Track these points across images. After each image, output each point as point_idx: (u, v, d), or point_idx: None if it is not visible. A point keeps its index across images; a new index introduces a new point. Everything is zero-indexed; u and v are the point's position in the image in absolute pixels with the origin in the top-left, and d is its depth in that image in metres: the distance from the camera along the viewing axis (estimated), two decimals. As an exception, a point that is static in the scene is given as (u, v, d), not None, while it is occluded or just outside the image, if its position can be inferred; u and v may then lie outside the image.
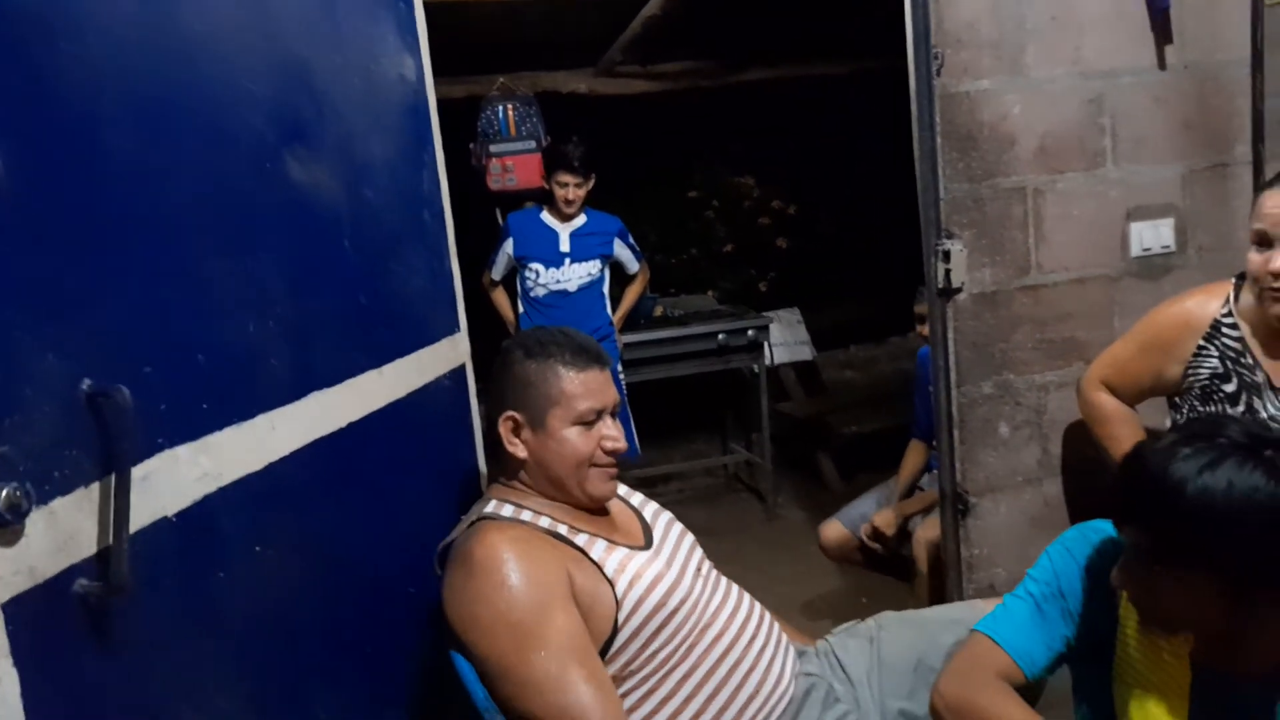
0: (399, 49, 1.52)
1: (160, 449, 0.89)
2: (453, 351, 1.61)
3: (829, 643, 1.51)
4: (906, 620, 1.55)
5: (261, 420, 1.03)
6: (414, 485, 1.44)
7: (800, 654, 1.47)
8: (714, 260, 5.04)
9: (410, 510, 1.41)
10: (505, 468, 1.37)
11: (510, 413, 1.34)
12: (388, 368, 1.34)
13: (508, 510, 1.32)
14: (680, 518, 1.53)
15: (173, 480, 0.90)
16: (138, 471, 0.85)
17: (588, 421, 1.33)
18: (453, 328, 1.64)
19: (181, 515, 0.90)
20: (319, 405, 1.15)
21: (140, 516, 0.85)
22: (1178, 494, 0.99)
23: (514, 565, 1.19)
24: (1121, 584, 1.09)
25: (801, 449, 4.40)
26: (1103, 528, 1.25)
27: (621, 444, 1.36)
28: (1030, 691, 1.26)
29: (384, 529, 1.33)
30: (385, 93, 1.47)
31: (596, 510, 1.38)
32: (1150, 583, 1.06)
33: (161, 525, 0.88)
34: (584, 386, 1.33)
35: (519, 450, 1.34)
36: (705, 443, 4.77)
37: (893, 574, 2.69)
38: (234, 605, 0.97)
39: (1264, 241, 1.53)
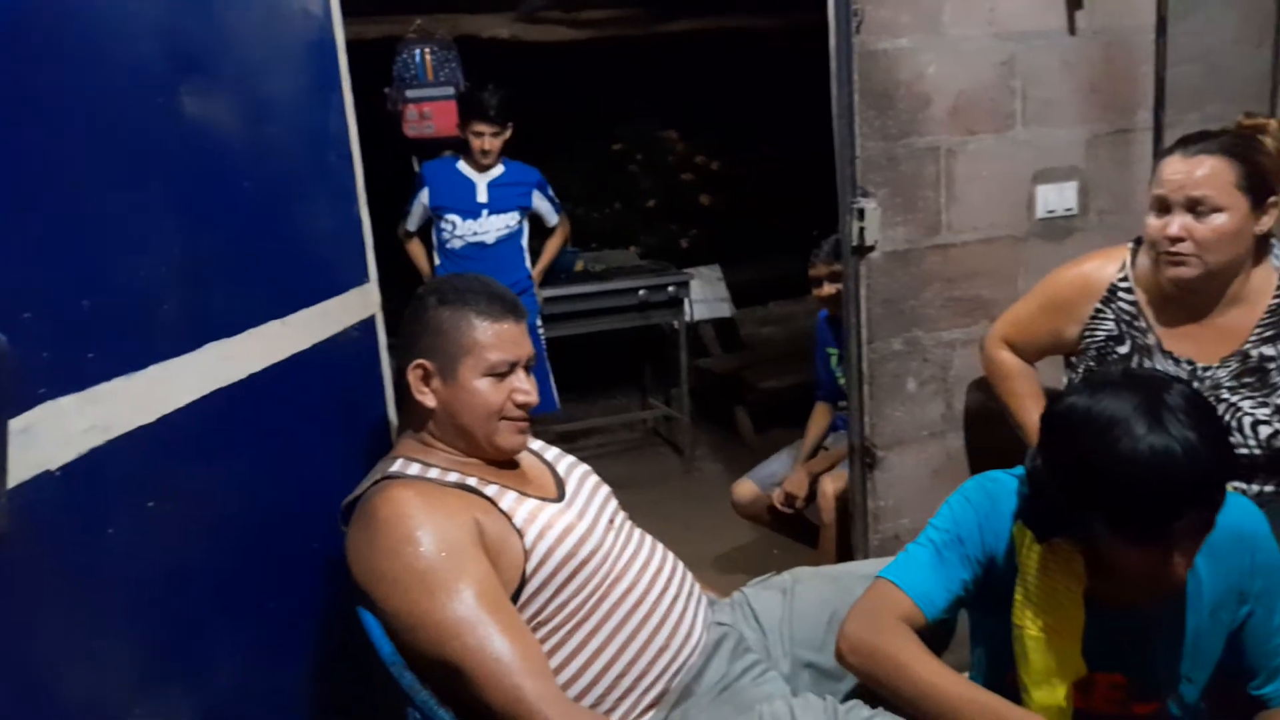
0: (302, -19, 1.45)
1: (43, 400, 0.84)
2: (362, 302, 1.56)
3: (744, 594, 1.54)
4: (821, 575, 1.58)
5: (155, 370, 0.99)
6: (320, 439, 1.40)
7: (714, 605, 1.49)
8: (637, 215, 5.02)
9: (316, 464, 1.38)
10: (414, 417, 1.35)
11: (420, 360, 1.31)
12: (292, 317, 1.29)
13: (414, 469, 1.30)
14: (599, 471, 1.53)
15: (57, 432, 0.86)
16: (17, 423, 0.81)
17: (500, 373, 1.31)
18: (362, 277, 1.59)
19: (66, 469, 0.86)
20: (218, 355, 1.10)
21: (21, 469, 0.81)
22: (1208, 465, 1.03)
23: (420, 518, 1.18)
24: (1186, 569, 1.10)
25: (719, 404, 4.46)
26: (999, 478, 1.31)
27: (533, 398, 1.35)
28: (937, 637, 1.32)
29: (288, 483, 1.29)
30: (289, 27, 1.40)
31: (507, 463, 1.38)
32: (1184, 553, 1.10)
33: (44, 479, 0.84)
34: (498, 337, 1.31)
35: (428, 399, 1.32)
36: (625, 397, 4.80)
37: (800, 538, 2.76)
38: (124, 560, 0.94)
39: (1163, 207, 1.57)
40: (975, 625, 1.38)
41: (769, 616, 1.48)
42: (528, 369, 1.37)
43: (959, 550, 1.27)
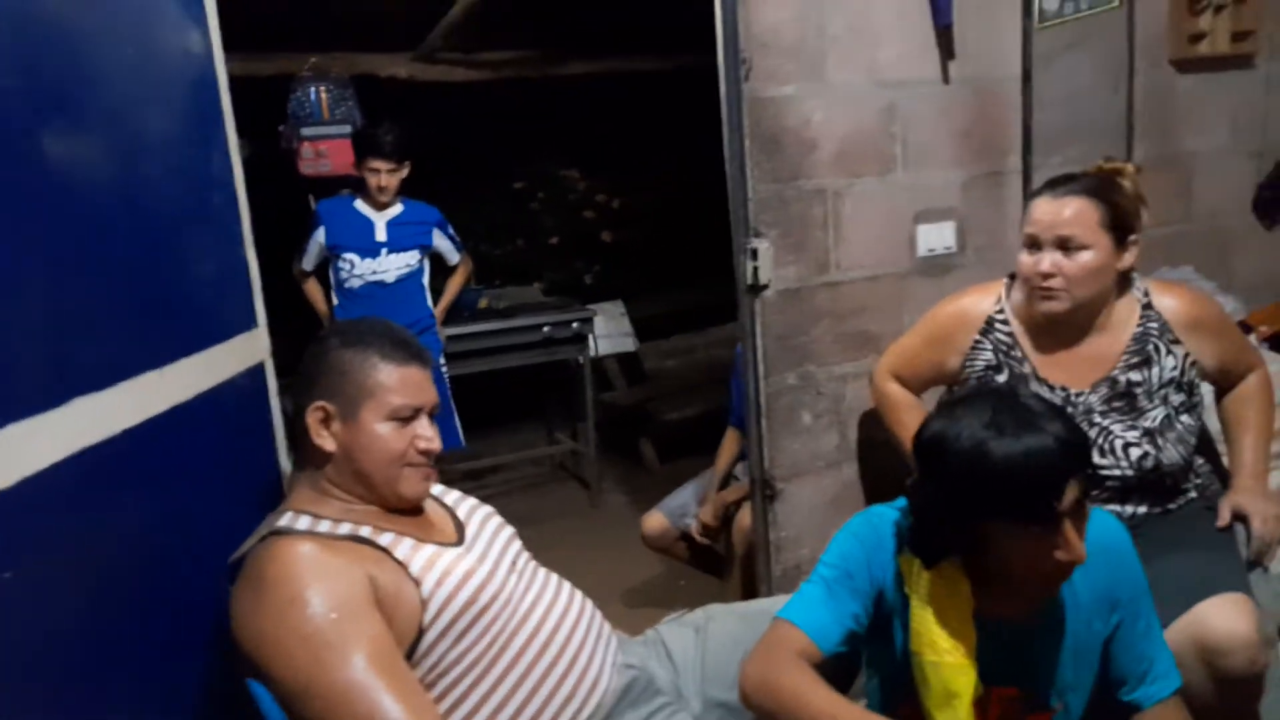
0: (182, 19, 1.41)
1: (-118, 465, 0.78)
2: (249, 348, 1.51)
3: (658, 632, 1.54)
4: (734, 612, 1.59)
5: (13, 430, 0.93)
6: (205, 493, 1.34)
7: (624, 643, 1.48)
8: (540, 252, 5.03)
9: (201, 521, 1.31)
10: (310, 462, 1.31)
11: (320, 402, 1.28)
12: (170, 367, 1.23)
13: (303, 522, 1.25)
14: (505, 508, 1.51)
15: (-99, 500, 0.80)
16: None
17: (403, 418, 1.29)
18: (249, 322, 1.54)
19: (-87, 538, 0.80)
20: (85, 411, 1.04)
21: None
22: (1078, 435, 1.18)
23: (307, 578, 1.13)
24: (1080, 548, 1.18)
25: (625, 436, 4.48)
26: (882, 512, 1.35)
27: (436, 444, 1.32)
28: (841, 675, 1.35)
29: (170, 542, 1.22)
30: (166, 65, 1.35)
31: (408, 511, 1.34)
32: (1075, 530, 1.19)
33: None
34: (402, 381, 1.29)
35: (326, 443, 1.28)
36: (531, 433, 4.77)
37: (708, 570, 2.78)
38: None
39: (1034, 245, 1.67)
40: (870, 657, 1.41)
41: (682, 655, 1.48)
42: (431, 416, 1.34)
43: (848, 584, 1.30)
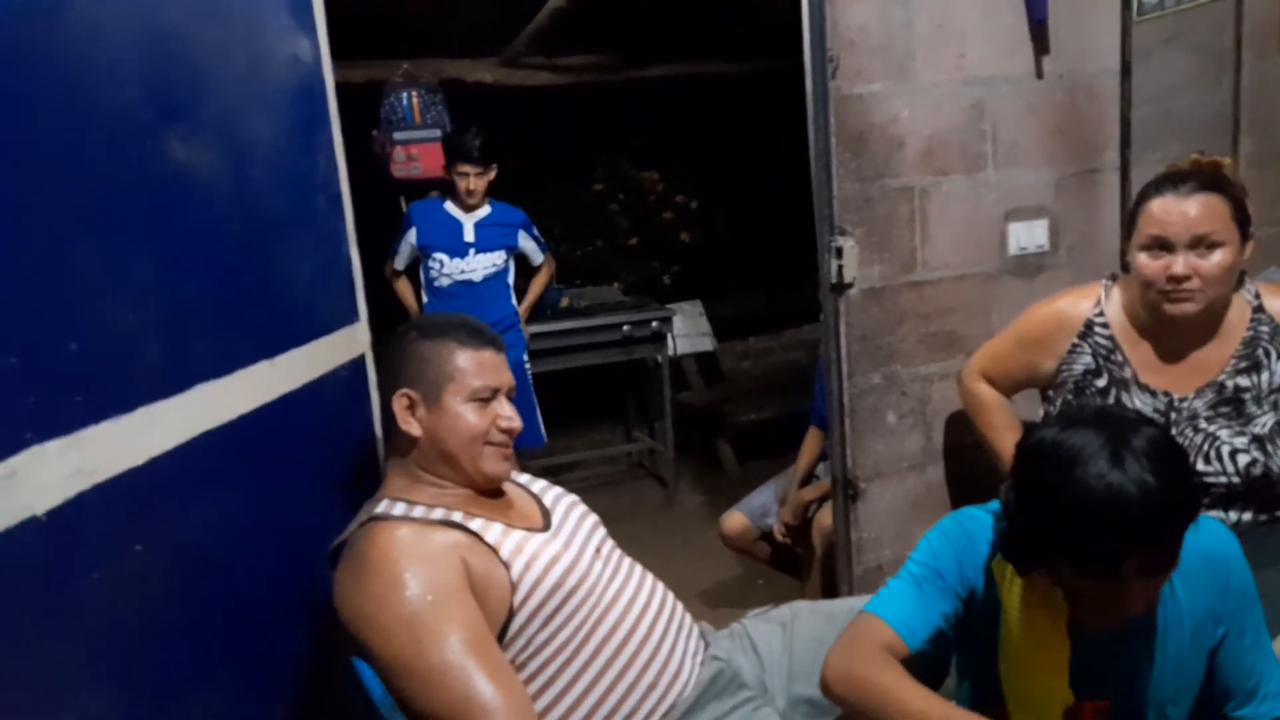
0: (292, 28, 1.48)
1: (27, 444, 0.85)
2: (351, 341, 1.58)
3: (744, 625, 1.55)
4: (819, 611, 1.59)
5: (141, 413, 0.99)
6: (309, 479, 1.41)
7: (709, 636, 1.49)
8: (619, 253, 5.07)
9: (305, 505, 1.39)
10: (400, 449, 1.37)
11: (405, 390, 1.34)
12: (280, 358, 1.30)
13: (399, 509, 1.30)
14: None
15: (42, 477, 0.86)
16: (1, 469, 0.81)
17: (483, 399, 1.35)
18: (351, 317, 1.61)
19: (52, 514, 0.87)
20: (204, 397, 1.11)
21: (6, 515, 0.81)
22: (1160, 506, 1.05)
23: (406, 562, 1.18)
24: (1144, 604, 1.15)
25: (701, 436, 4.49)
26: (976, 515, 1.33)
27: (516, 423, 1.38)
28: (930, 676, 1.32)
29: (277, 525, 1.30)
30: (277, 72, 1.43)
31: (493, 496, 1.39)
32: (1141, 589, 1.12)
33: (29, 525, 0.84)
34: (479, 364, 1.35)
35: (414, 428, 1.34)
36: (609, 431, 4.81)
37: (790, 571, 2.77)
38: (110, 605, 0.94)
39: (1162, 246, 1.58)
40: (961, 661, 1.39)
41: (768, 650, 1.49)
42: (509, 397, 1.39)
43: (938, 583, 1.29)
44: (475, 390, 1.34)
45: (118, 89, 1.02)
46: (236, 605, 1.18)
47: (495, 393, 1.36)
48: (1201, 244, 1.56)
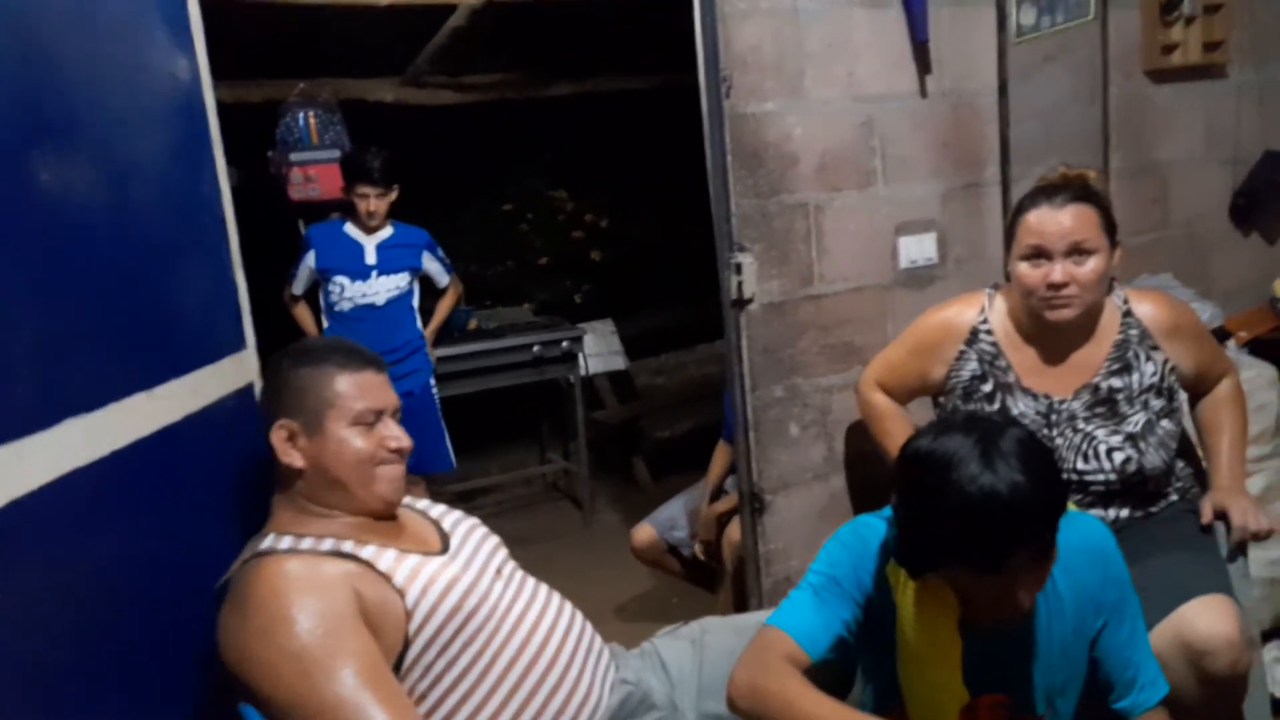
0: (169, 47, 1.43)
1: (-126, 487, 0.79)
2: (237, 370, 1.52)
3: (654, 644, 1.54)
4: (729, 625, 1.60)
5: (4, 451, 0.94)
6: (194, 515, 1.34)
7: (619, 657, 1.48)
8: (530, 272, 5.05)
9: (190, 543, 1.32)
10: (284, 482, 1.32)
11: (283, 421, 1.29)
12: (159, 389, 1.24)
13: (285, 543, 1.26)
14: (498, 528, 1.51)
15: (-110, 521, 0.81)
16: None
17: (367, 423, 1.31)
18: (238, 344, 1.55)
19: (-97, 559, 0.81)
20: (77, 431, 1.05)
21: None
22: (1031, 500, 1.10)
23: (294, 595, 1.14)
24: (1030, 599, 1.19)
25: (616, 454, 4.49)
26: (870, 522, 1.37)
27: (405, 442, 1.34)
28: (837, 684, 1.36)
29: (159, 564, 1.23)
30: (154, 92, 1.37)
31: (385, 521, 1.35)
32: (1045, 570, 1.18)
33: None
34: (359, 387, 1.31)
35: (295, 459, 1.29)
36: (522, 453, 4.77)
37: (703, 584, 2.79)
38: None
39: (1040, 255, 1.66)
40: (863, 665, 1.42)
41: (678, 668, 1.48)
42: (395, 418, 1.36)
43: (836, 591, 1.31)
44: (359, 413, 1.30)
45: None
46: (118, 653, 1.11)
47: (379, 415, 1.33)
48: (1076, 251, 1.64)
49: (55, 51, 1.11)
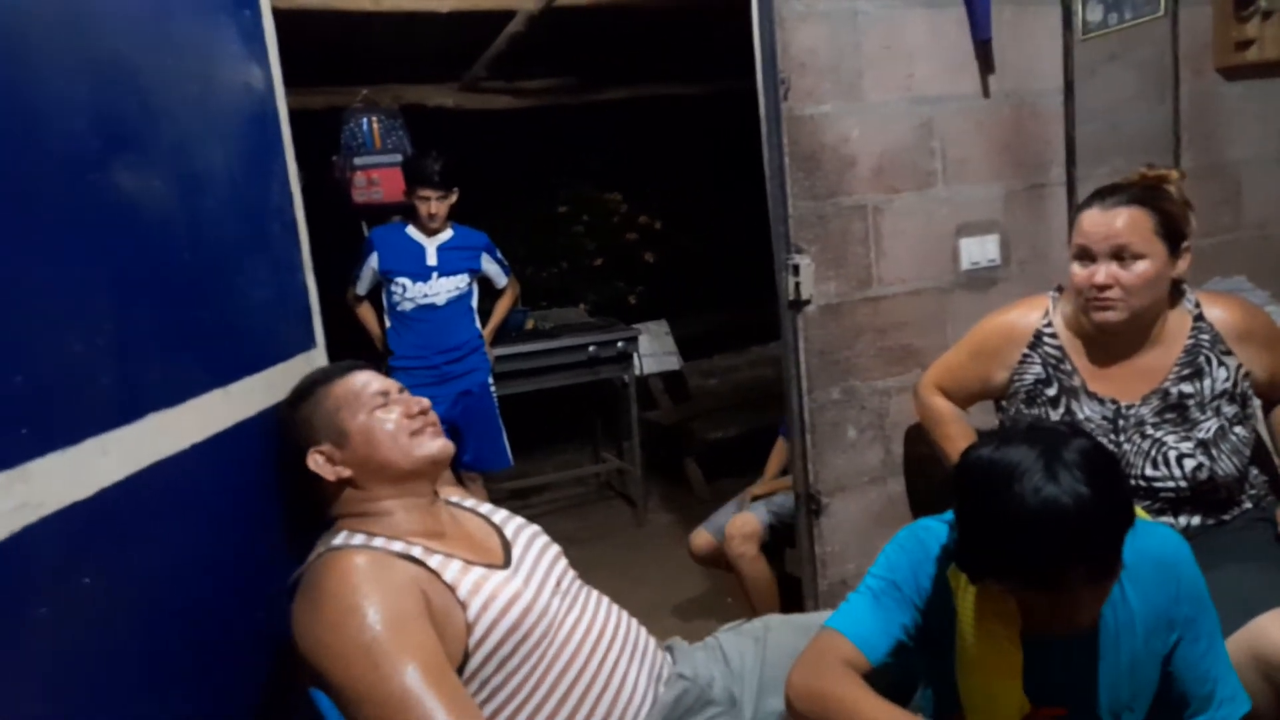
0: (244, 57, 1.48)
1: (-29, 479, 0.84)
2: (307, 368, 1.56)
3: (717, 639, 1.55)
4: (791, 624, 1.60)
5: (90, 444, 0.98)
6: (263, 510, 1.39)
7: (678, 651, 1.49)
8: (583, 274, 5.09)
9: (258, 536, 1.36)
10: (340, 500, 1.35)
11: (314, 449, 1.33)
12: (234, 386, 1.29)
13: (358, 539, 1.29)
14: (551, 527, 1.53)
15: (-13, 511, 0.85)
16: (-54, 504, 0.80)
17: (380, 404, 1.36)
18: (308, 344, 1.60)
19: (-3, 548, 0.85)
20: (157, 426, 1.10)
21: (-50, 551, 0.80)
22: (1089, 520, 1.06)
23: (365, 589, 1.17)
24: (1090, 614, 1.18)
25: (669, 455, 4.49)
26: (931, 525, 1.35)
27: (424, 401, 1.39)
28: (898, 690, 1.34)
29: (230, 555, 1.27)
30: (229, 101, 1.43)
31: (452, 529, 1.37)
32: (1106, 589, 1.16)
33: (-26, 560, 0.83)
34: (356, 385, 1.37)
35: (343, 471, 1.33)
36: (576, 452, 4.81)
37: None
38: (59, 640, 0.92)
39: (1087, 256, 1.65)
40: (923, 668, 1.41)
41: (740, 662, 1.49)
42: (402, 394, 1.41)
43: (895, 595, 1.30)
44: (368, 399, 1.35)
45: (67, 120, 1.02)
46: (189, 637, 1.16)
47: (387, 394, 1.37)
48: (1123, 255, 1.62)
49: (136, 67, 1.16)
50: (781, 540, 2.55)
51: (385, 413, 1.35)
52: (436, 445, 1.37)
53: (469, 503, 1.49)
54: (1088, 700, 1.27)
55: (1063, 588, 1.10)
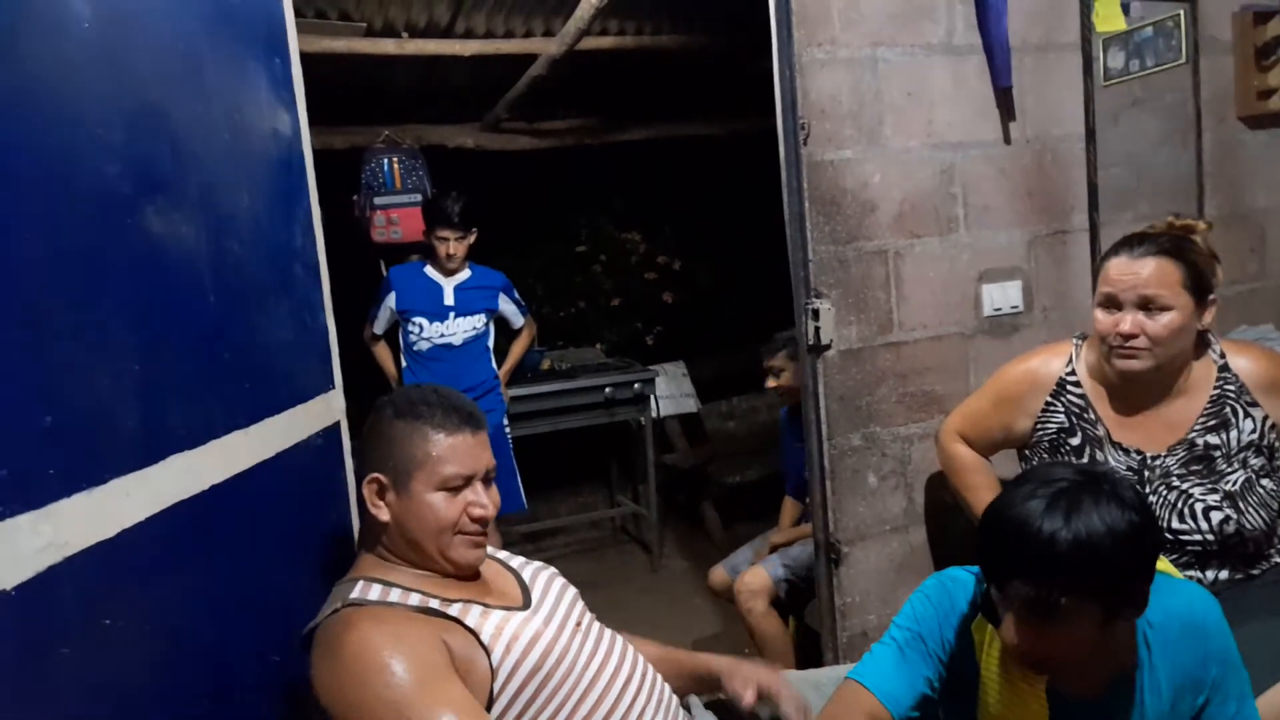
0: (273, 104, 1.51)
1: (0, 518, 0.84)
2: (326, 409, 1.57)
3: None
4: (806, 680, 1.57)
5: (115, 484, 0.98)
6: (282, 550, 1.38)
7: (696, 709, 1.46)
8: (601, 313, 5.10)
9: (278, 577, 1.36)
10: (370, 532, 1.34)
11: (375, 474, 1.30)
12: (254, 427, 1.29)
13: (375, 592, 1.27)
14: (566, 571, 1.52)
15: (12, 551, 0.84)
16: (-29, 544, 0.80)
17: (454, 487, 1.29)
18: (327, 385, 1.60)
19: (21, 588, 0.85)
20: (179, 467, 1.10)
21: (-28, 592, 0.80)
22: (1053, 546, 1.06)
23: (388, 649, 1.15)
24: (1012, 639, 1.14)
25: (686, 499, 4.46)
26: (958, 576, 1.33)
27: (490, 511, 1.32)
28: None
29: (250, 598, 1.26)
30: (256, 146, 1.45)
31: (468, 576, 1.35)
32: (1041, 630, 1.12)
33: (-2, 600, 0.83)
34: (452, 450, 1.29)
35: (382, 513, 1.30)
36: (591, 495, 4.78)
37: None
38: (79, 681, 0.92)
39: (1113, 304, 1.64)
40: (948, 715, 1.38)
41: None
42: (487, 481, 1.34)
43: (921, 648, 1.28)
44: (446, 478, 1.28)
45: (100, 164, 1.03)
46: (208, 679, 1.15)
47: (469, 480, 1.31)
48: (1149, 305, 1.60)
49: (168, 113, 1.18)
50: (799, 595, 2.51)
51: (450, 501, 1.29)
52: (470, 556, 1.32)
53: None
54: None
55: (1004, 594, 1.11)
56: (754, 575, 2.50)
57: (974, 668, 1.26)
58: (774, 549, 2.62)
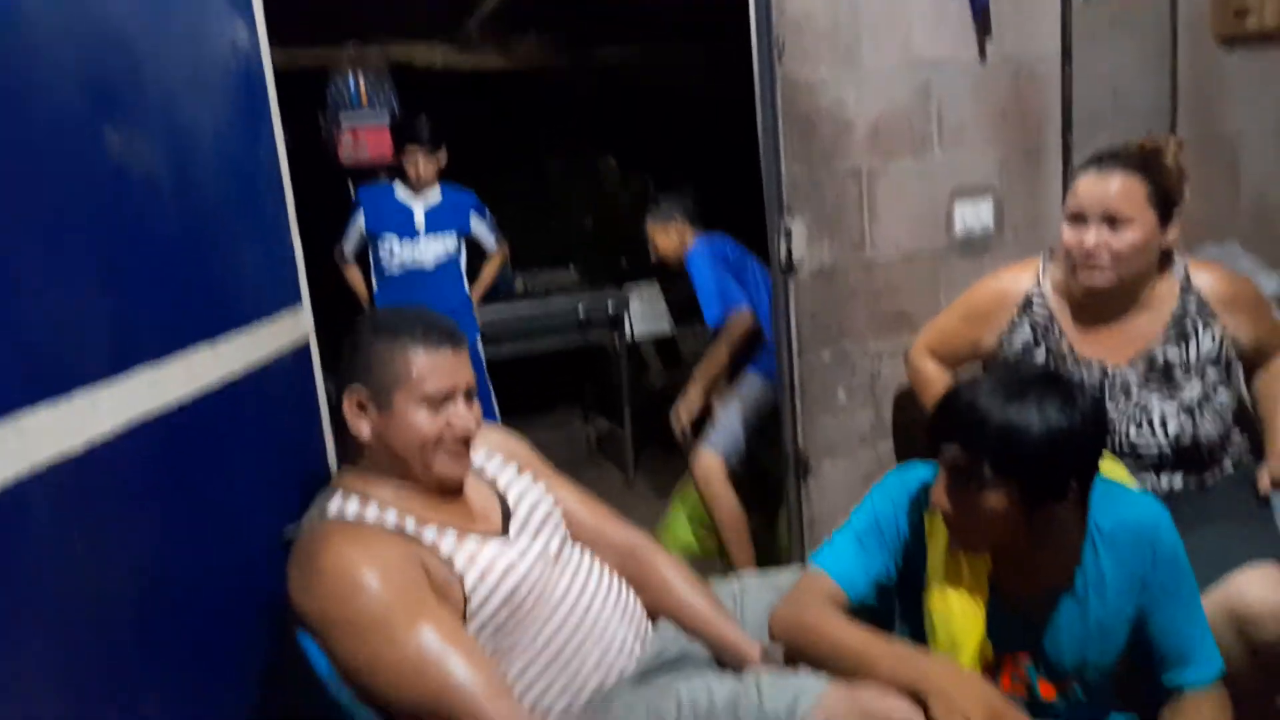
0: (229, 14, 1.46)
1: (-36, 429, 0.84)
2: (294, 324, 1.56)
3: None
4: (768, 583, 1.62)
5: (81, 397, 0.98)
6: (254, 468, 1.39)
7: (661, 624, 1.50)
8: (576, 236, 5.07)
9: (249, 494, 1.37)
10: (351, 448, 1.35)
11: (355, 387, 1.31)
12: (220, 340, 1.28)
13: (353, 506, 1.28)
14: (540, 489, 1.53)
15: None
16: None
17: (436, 402, 1.30)
18: (294, 299, 1.59)
19: (-9, 498, 0.85)
20: (146, 381, 1.09)
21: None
22: (985, 422, 1.16)
23: (365, 565, 1.17)
24: (940, 501, 1.23)
25: (660, 420, 4.50)
26: (915, 466, 1.38)
27: (472, 426, 1.33)
28: (878, 624, 1.37)
29: (221, 514, 1.28)
30: (215, 59, 1.41)
31: (450, 494, 1.36)
32: (964, 499, 1.20)
33: (-34, 510, 0.83)
34: (433, 366, 1.29)
35: (363, 430, 1.31)
36: (566, 414, 4.81)
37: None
38: (50, 596, 0.93)
39: (1079, 219, 1.67)
40: (901, 609, 1.44)
41: None
42: (469, 397, 1.34)
43: (877, 537, 1.35)
44: (428, 394, 1.29)
45: (56, 80, 1.01)
46: (180, 595, 1.16)
47: (450, 394, 1.31)
48: (1114, 220, 1.63)
49: (123, 26, 1.15)
50: (760, 485, 2.58)
51: (432, 417, 1.29)
52: (453, 470, 1.33)
53: (477, 464, 1.45)
54: (1054, 655, 1.30)
55: (939, 457, 1.21)
56: (704, 457, 2.56)
57: (924, 553, 1.32)
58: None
